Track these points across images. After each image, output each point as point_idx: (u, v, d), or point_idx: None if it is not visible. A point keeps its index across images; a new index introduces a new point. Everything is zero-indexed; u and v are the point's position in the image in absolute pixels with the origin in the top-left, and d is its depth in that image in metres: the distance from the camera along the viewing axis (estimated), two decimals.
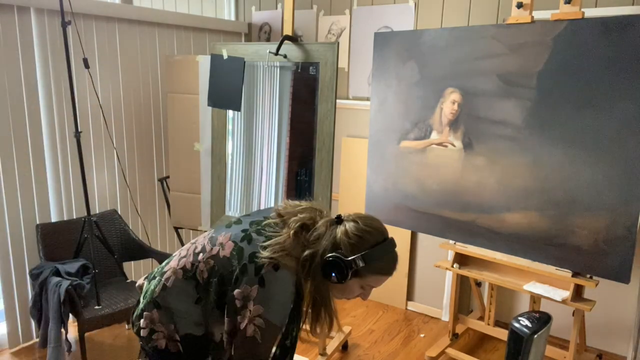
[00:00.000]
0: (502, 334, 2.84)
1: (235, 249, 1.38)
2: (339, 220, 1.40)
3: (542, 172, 2.36)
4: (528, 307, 2.86)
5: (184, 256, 1.48)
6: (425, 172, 2.73)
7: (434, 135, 2.69)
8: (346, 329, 3.09)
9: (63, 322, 2.48)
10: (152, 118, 3.50)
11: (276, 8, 3.97)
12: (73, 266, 2.65)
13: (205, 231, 3.25)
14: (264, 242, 1.37)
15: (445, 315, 3.43)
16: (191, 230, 3.72)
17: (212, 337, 1.46)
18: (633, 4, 2.63)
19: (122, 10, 3.18)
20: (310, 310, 1.43)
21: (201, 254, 1.44)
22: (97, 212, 3.13)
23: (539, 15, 2.70)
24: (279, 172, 2.77)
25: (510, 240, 2.48)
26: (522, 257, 2.48)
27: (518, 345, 1.95)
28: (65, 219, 3.03)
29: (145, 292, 1.51)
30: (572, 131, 2.25)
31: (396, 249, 1.42)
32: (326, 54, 2.50)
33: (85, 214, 2.73)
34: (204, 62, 2.95)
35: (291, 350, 1.44)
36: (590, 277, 2.36)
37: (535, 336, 1.94)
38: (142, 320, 1.47)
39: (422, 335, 3.25)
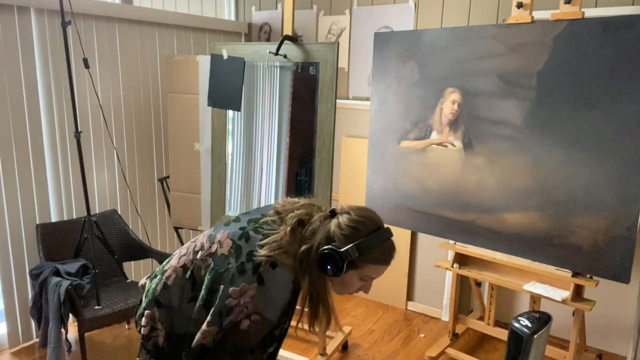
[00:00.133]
0: (502, 334, 2.84)
1: (233, 247, 1.38)
2: (332, 213, 1.40)
3: (542, 172, 2.36)
4: (528, 307, 2.86)
5: (184, 254, 1.48)
6: (425, 172, 2.73)
7: (434, 135, 2.69)
8: (346, 329, 3.09)
9: (63, 322, 2.48)
10: (152, 118, 3.50)
11: (276, 8, 3.98)
12: (73, 266, 2.65)
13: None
14: (262, 240, 1.36)
15: (445, 315, 3.43)
16: (191, 230, 3.72)
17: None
18: (633, 4, 2.63)
19: (122, 10, 3.18)
20: (307, 308, 1.42)
21: (200, 252, 1.44)
22: (97, 212, 3.13)
23: (539, 15, 2.70)
24: (279, 172, 2.77)
25: (510, 240, 2.48)
26: (522, 257, 2.48)
27: (518, 345, 1.95)
28: (65, 219, 3.03)
29: (147, 291, 1.51)
30: (572, 131, 2.25)
31: (393, 239, 1.41)
32: (326, 54, 2.50)
33: (85, 214, 2.73)
34: (204, 62, 2.95)
35: (279, 339, 1.43)
36: (590, 277, 2.36)
37: (535, 336, 1.94)
38: (143, 319, 1.47)
39: (422, 335, 3.25)
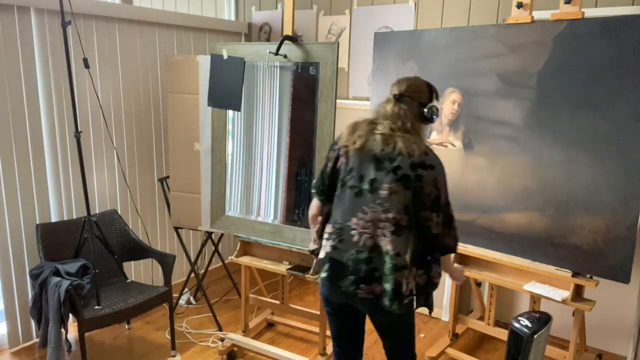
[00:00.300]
0: (502, 334, 2.84)
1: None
2: (397, 97, 1.83)
3: (542, 172, 2.36)
4: (528, 307, 2.86)
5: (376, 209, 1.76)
6: None
7: (434, 135, 2.69)
8: None
9: (63, 322, 2.48)
10: (152, 118, 3.50)
11: (276, 8, 3.98)
12: (73, 266, 2.65)
13: (204, 231, 3.24)
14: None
15: (445, 315, 3.43)
16: (191, 230, 3.72)
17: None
18: (633, 4, 2.63)
19: (122, 10, 3.18)
20: None
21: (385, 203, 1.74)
22: (97, 212, 3.13)
23: (539, 15, 2.70)
24: (279, 172, 2.77)
25: (510, 240, 2.48)
26: (522, 257, 2.48)
27: (518, 345, 1.96)
28: (65, 219, 3.03)
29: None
30: (572, 131, 2.25)
31: None
32: (326, 54, 2.50)
33: (85, 214, 2.73)
34: (204, 62, 2.95)
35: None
36: (590, 277, 2.36)
37: (535, 336, 1.94)
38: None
39: (422, 335, 3.25)
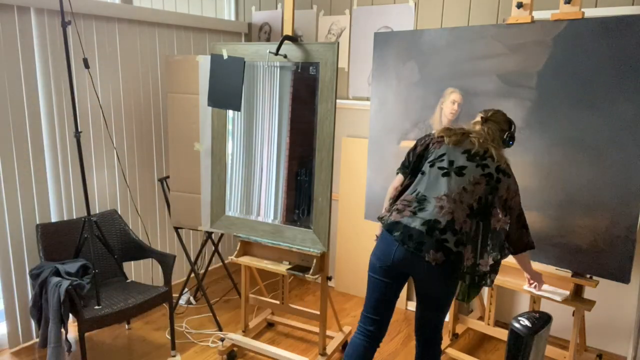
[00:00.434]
0: (502, 334, 2.84)
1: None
2: (485, 120, 2.15)
3: (542, 172, 2.36)
4: (528, 307, 2.86)
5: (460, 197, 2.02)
6: None
7: None
8: (346, 329, 3.09)
9: (63, 322, 2.48)
10: (152, 118, 3.50)
11: (276, 8, 3.98)
12: (73, 266, 2.65)
13: (204, 231, 3.24)
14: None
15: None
16: (191, 230, 3.72)
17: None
18: (633, 4, 2.63)
19: (122, 10, 3.18)
20: None
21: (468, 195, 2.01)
22: (97, 212, 3.13)
23: (539, 15, 2.70)
24: (279, 172, 2.77)
25: None
26: None
27: (518, 345, 1.96)
28: (65, 219, 3.03)
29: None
30: (572, 131, 2.25)
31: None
32: (326, 54, 2.50)
33: (85, 214, 2.73)
34: (204, 62, 2.95)
35: None
36: (590, 277, 2.36)
37: (535, 336, 1.94)
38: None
39: None
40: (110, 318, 2.56)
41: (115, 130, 3.27)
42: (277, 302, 3.05)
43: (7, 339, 2.88)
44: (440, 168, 2.07)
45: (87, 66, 2.74)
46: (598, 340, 3.05)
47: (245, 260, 2.86)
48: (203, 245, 3.50)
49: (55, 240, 2.83)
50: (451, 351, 2.93)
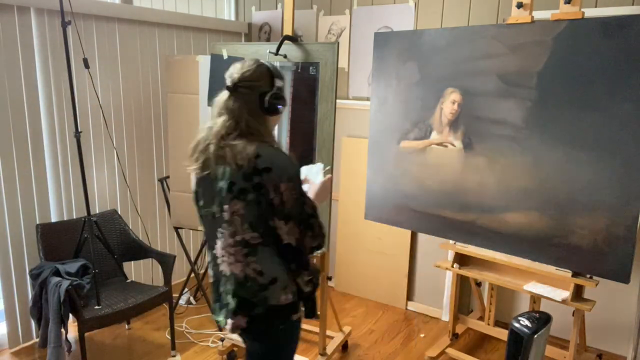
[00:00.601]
0: (502, 334, 2.84)
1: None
2: (230, 88, 1.56)
3: (542, 172, 2.36)
4: (528, 307, 2.86)
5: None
6: (426, 172, 2.73)
7: (434, 135, 2.69)
8: (346, 329, 3.09)
9: (63, 322, 2.48)
10: (152, 118, 3.50)
11: (276, 8, 3.98)
12: (73, 266, 2.65)
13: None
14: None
15: (445, 315, 3.43)
16: (191, 230, 3.72)
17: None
18: (633, 4, 2.63)
19: (122, 10, 3.18)
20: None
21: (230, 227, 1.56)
22: (97, 212, 3.13)
23: (539, 15, 2.70)
24: None
25: (510, 241, 2.48)
26: (522, 257, 2.48)
27: (518, 345, 1.96)
28: (65, 219, 3.03)
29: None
30: (572, 131, 2.25)
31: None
32: (326, 54, 2.50)
33: (85, 214, 2.73)
34: (204, 62, 2.95)
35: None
36: (590, 277, 2.36)
37: (535, 336, 1.94)
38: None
39: (422, 335, 3.25)
40: (110, 318, 2.56)
41: (115, 130, 3.27)
42: None
43: (7, 339, 2.88)
44: (206, 212, 1.63)
45: (87, 66, 2.74)
46: (598, 340, 3.05)
47: None
48: (203, 245, 3.49)
49: (55, 240, 2.83)
50: (451, 351, 2.93)
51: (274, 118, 1.63)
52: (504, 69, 2.41)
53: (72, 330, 2.91)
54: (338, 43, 2.50)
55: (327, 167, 2.05)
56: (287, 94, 2.70)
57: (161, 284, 2.99)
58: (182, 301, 3.57)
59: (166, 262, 2.85)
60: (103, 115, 3.14)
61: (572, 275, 2.38)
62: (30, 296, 2.83)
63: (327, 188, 1.85)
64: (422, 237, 3.49)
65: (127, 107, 3.32)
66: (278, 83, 1.59)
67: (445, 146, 2.65)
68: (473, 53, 2.50)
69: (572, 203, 2.28)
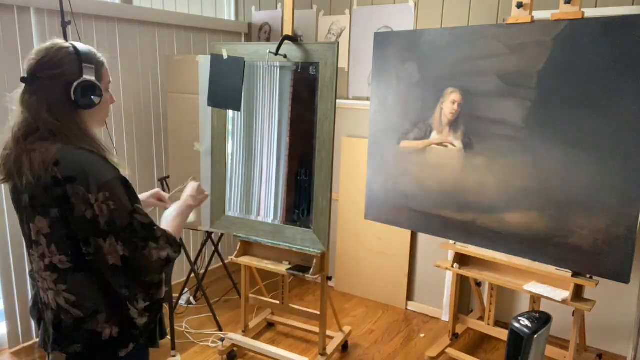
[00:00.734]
0: (502, 334, 2.84)
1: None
2: (26, 80, 1.30)
3: (542, 172, 2.36)
4: (528, 307, 2.86)
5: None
6: (425, 172, 2.73)
7: (434, 135, 2.69)
8: (346, 329, 3.09)
9: None
10: (152, 118, 3.50)
11: (276, 8, 3.98)
12: None
13: (206, 231, 3.24)
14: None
15: (445, 315, 3.43)
16: (191, 230, 3.72)
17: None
18: (633, 4, 2.63)
19: (122, 10, 3.18)
20: None
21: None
22: None
23: (539, 15, 2.70)
24: (279, 172, 2.76)
25: (510, 240, 2.48)
26: (522, 257, 2.48)
27: (518, 345, 1.96)
28: None
29: None
30: (572, 131, 2.25)
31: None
32: (326, 54, 2.50)
33: None
34: (204, 62, 2.95)
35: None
36: (590, 277, 2.36)
37: (535, 336, 1.94)
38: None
39: (422, 335, 3.25)
40: None
41: (115, 130, 3.27)
42: (277, 302, 3.05)
43: (7, 339, 2.88)
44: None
45: None
46: (598, 340, 3.05)
47: (245, 260, 2.86)
48: (203, 245, 3.50)
49: None
50: (451, 351, 2.93)
51: (93, 113, 1.35)
52: (504, 69, 2.41)
53: None
54: (338, 43, 2.50)
55: (191, 177, 1.94)
56: (288, 93, 2.70)
57: None
58: (182, 301, 3.57)
59: None
60: None
61: (572, 275, 2.38)
62: (30, 296, 2.83)
63: (195, 190, 1.68)
64: (422, 237, 3.49)
65: (127, 107, 3.32)
66: (88, 69, 1.29)
67: (445, 146, 2.65)
68: (473, 53, 2.50)
69: (572, 203, 2.28)
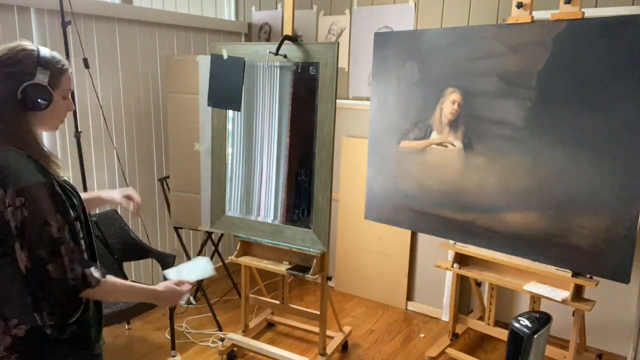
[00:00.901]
0: (502, 334, 2.84)
1: None
2: None
3: (542, 172, 2.36)
4: (528, 307, 2.86)
5: None
6: (425, 172, 2.73)
7: (434, 135, 2.69)
8: (346, 329, 3.09)
9: None
10: (152, 118, 3.50)
11: (276, 8, 3.98)
12: None
13: (204, 231, 3.24)
14: None
15: (445, 315, 3.43)
16: (191, 230, 3.72)
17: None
18: (633, 4, 2.63)
19: (122, 10, 3.18)
20: None
21: None
22: (97, 212, 3.12)
23: (539, 15, 2.70)
24: (279, 172, 2.77)
25: (510, 240, 2.48)
26: (522, 257, 2.48)
27: (518, 345, 1.95)
28: None
29: None
30: (572, 131, 2.25)
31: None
32: (326, 54, 2.50)
33: None
34: (204, 62, 2.95)
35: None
36: (590, 277, 2.36)
37: (535, 336, 1.94)
38: None
39: (422, 335, 3.25)
40: (110, 318, 2.56)
41: (115, 130, 3.27)
42: (277, 302, 3.05)
43: None
44: None
45: (87, 66, 2.74)
46: (598, 340, 3.05)
47: (245, 260, 2.86)
48: (203, 245, 3.50)
49: None
50: (451, 351, 2.93)
51: (43, 116, 1.33)
52: (504, 69, 2.41)
53: None
54: (338, 43, 2.50)
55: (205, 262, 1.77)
56: (288, 93, 2.70)
57: None
58: (182, 301, 3.57)
59: (166, 262, 2.85)
60: (103, 115, 3.14)
61: (572, 275, 2.38)
62: None
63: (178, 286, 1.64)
64: (422, 237, 3.49)
65: (127, 107, 3.32)
66: (41, 73, 1.28)
67: (445, 146, 2.65)
68: (473, 53, 2.50)
69: (572, 203, 2.28)
